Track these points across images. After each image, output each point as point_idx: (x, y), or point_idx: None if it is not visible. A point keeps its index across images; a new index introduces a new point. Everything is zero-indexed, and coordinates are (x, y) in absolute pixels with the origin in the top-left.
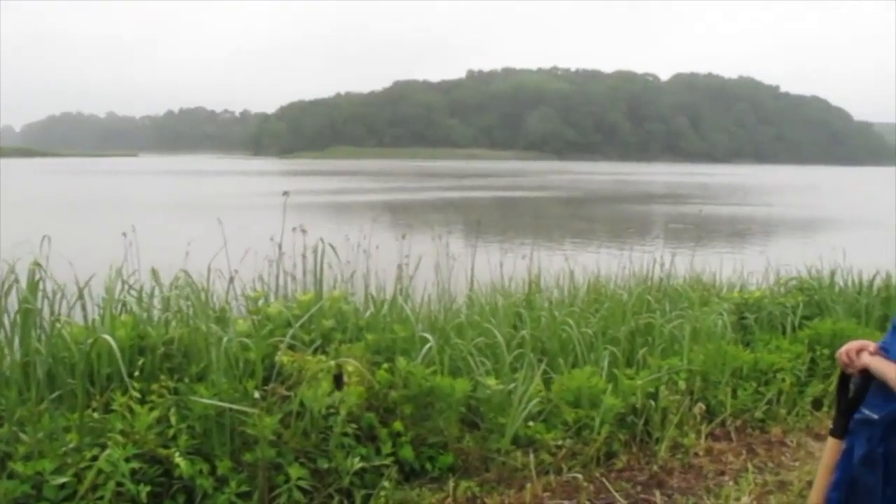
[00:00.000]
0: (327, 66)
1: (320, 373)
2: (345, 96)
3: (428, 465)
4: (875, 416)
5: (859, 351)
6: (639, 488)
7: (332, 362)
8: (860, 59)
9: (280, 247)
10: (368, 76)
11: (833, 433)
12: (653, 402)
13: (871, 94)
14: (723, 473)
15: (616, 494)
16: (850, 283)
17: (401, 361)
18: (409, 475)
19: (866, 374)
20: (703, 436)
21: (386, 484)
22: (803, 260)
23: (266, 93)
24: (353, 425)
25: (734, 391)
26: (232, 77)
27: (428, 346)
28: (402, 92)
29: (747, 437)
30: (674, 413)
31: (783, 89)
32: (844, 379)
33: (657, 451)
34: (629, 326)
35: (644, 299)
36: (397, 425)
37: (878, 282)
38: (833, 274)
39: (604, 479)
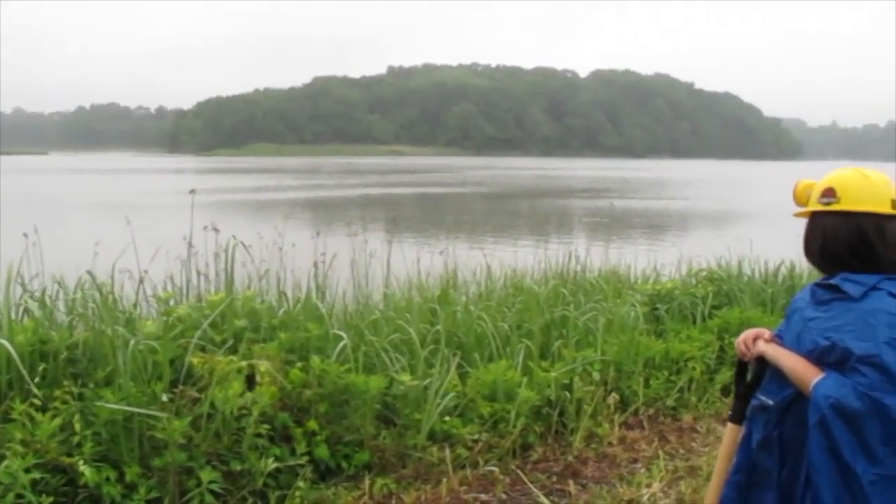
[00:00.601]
0: (246, 63)
1: (231, 373)
2: (263, 92)
3: (344, 464)
4: (770, 402)
5: (755, 339)
6: (554, 479)
7: (244, 363)
8: (769, 58)
9: (190, 245)
10: (288, 73)
11: (732, 419)
12: (567, 394)
13: (779, 91)
14: (636, 461)
15: (532, 486)
16: (756, 273)
17: (315, 360)
18: (324, 474)
19: (762, 362)
20: (616, 425)
21: (301, 484)
22: (713, 251)
23: (182, 89)
24: (267, 426)
25: (647, 380)
26: (146, 72)
27: (342, 343)
28: (322, 87)
29: (659, 424)
30: (588, 404)
31: (697, 86)
32: (742, 366)
33: (572, 442)
34: (544, 319)
35: (559, 292)
36: (312, 424)
37: (782, 271)
38: (740, 264)
39: (519, 472)
